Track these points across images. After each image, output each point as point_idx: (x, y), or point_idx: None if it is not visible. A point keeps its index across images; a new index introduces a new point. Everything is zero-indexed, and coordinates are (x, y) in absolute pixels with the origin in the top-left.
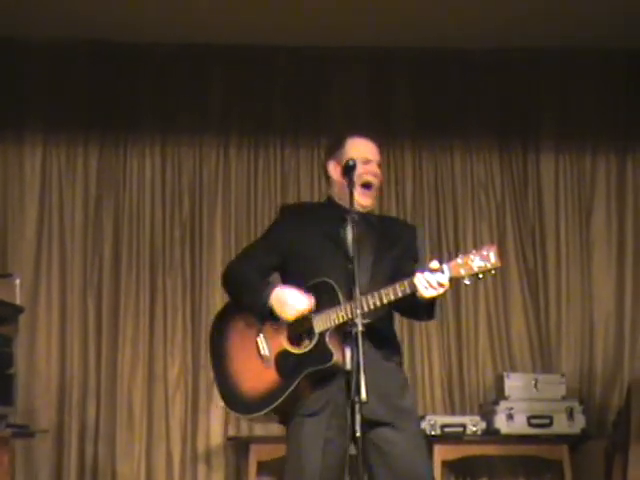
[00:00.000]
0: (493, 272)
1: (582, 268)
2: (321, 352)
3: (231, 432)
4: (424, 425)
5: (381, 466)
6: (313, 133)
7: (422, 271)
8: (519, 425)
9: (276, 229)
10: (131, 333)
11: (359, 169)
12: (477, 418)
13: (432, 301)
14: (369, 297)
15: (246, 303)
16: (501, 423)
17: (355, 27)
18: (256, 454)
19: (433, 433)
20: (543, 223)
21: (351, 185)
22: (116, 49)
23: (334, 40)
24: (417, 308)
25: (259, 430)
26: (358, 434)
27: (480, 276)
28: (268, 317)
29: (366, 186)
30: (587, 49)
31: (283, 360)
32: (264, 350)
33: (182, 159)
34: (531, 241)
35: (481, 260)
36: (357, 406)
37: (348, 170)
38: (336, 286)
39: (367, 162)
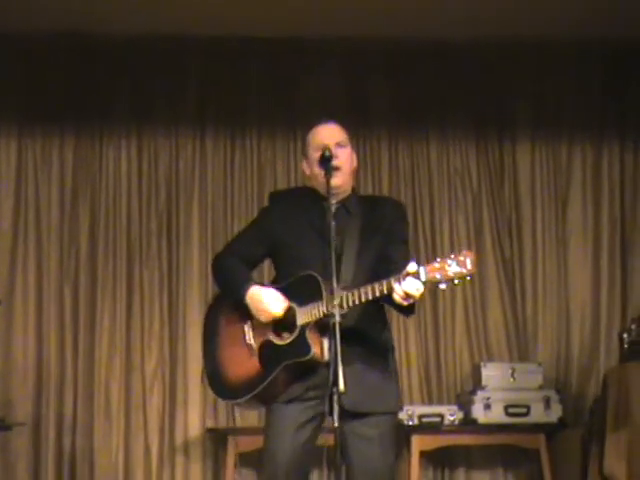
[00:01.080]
0: (468, 278)
1: (558, 258)
2: (300, 345)
3: (209, 424)
4: (402, 415)
5: (351, 454)
6: (289, 124)
7: (399, 280)
8: (496, 414)
9: (263, 218)
10: (108, 325)
11: (319, 154)
12: (454, 408)
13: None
14: (349, 295)
15: (226, 295)
16: (478, 413)
17: (330, 17)
18: (234, 446)
19: (411, 423)
20: (519, 213)
21: (328, 175)
22: (91, 41)
23: (309, 31)
24: (395, 306)
25: (238, 422)
26: (336, 424)
27: (456, 281)
28: (246, 313)
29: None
30: (563, 39)
31: (266, 350)
32: (249, 339)
33: (158, 150)
34: (507, 230)
35: (458, 266)
36: (335, 397)
37: (325, 161)
38: (320, 280)
39: (319, 150)
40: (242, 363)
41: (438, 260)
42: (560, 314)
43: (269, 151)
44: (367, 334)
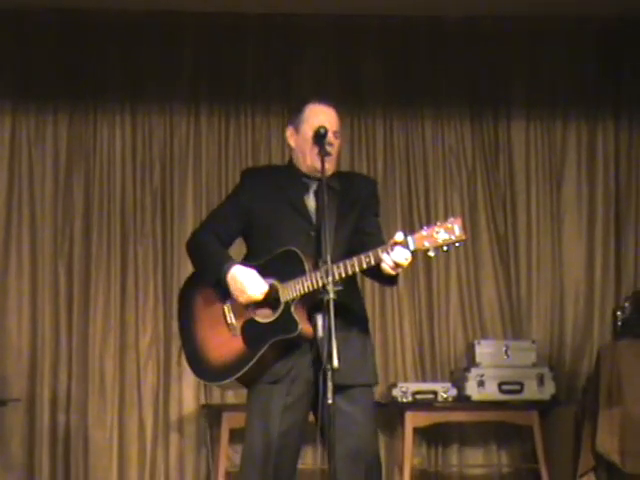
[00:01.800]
0: (457, 245)
1: (552, 235)
2: (286, 322)
3: (203, 400)
4: (395, 392)
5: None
6: (284, 101)
7: (387, 250)
8: (490, 391)
9: (238, 194)
10: (102, 302)
11: (313, 129)
12: (448, 385)
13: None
14: (334, 267)
15: (205, 276)
16: (472, 390)
17: None
18: (228, 422)
19: (404, 400)
20: (514, 191)
21: (323, 152)
22: (84, 17)
23: (304, 8)
24: (380, 277)
25: (231, 398)
26: (330, 401)
27: (445, 248)
28: (225, 292)
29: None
30: (557, 16)
31: (249, 329)
32: (230, 319)
33: (152, 128)
34: (502, 208)
35: (445, 232)
36: (329, 374)
37: (319, 138)
38: (302, 255)
39: (330, 132)
40: (224, 343)
41: (425, 228)
42: (554, 291)
43: (264, 128)
44: (348, 307)
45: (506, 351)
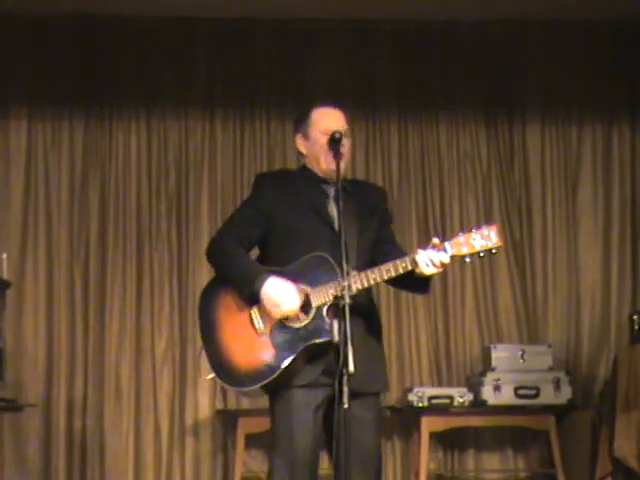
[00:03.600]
0: (494, 251)
1: (568, 239)
2: (319, 326)
3: (219, 405)
4: (411, 397)
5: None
6: (298, 106)
7: (424, 248)
8: (506, 396)
9: (257, 199)
10: (118, 307)
11: (326, 134)
12: (464, 390)
13: (428, 277)
14: (369, 272)
15: (235, 285)
16: (488, 394)
17: (340, 0)
18: (244, 427)
19: (420, 405)
20: (529, 195)
21: (338, 157)
22: (100, 22)
23: (318, 13)
24: (413, 283)
25: (247, 403)
26: (346, 406)
27: (481, 254)
28: (254, 302)
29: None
30: (572, 20)
31: (279, 333)
32: (258, 323)
33: (168, 133)
34: (517, 213)
35: (482, 239)
36: (345, 378)
37: (335, 143)
38: (332, 261)
39: (326, 134)
40: (251, 348)
41: (461, 234)
42: (570, 295)
43: (278, 133)
44: (366, 314)
45: (522, 355)
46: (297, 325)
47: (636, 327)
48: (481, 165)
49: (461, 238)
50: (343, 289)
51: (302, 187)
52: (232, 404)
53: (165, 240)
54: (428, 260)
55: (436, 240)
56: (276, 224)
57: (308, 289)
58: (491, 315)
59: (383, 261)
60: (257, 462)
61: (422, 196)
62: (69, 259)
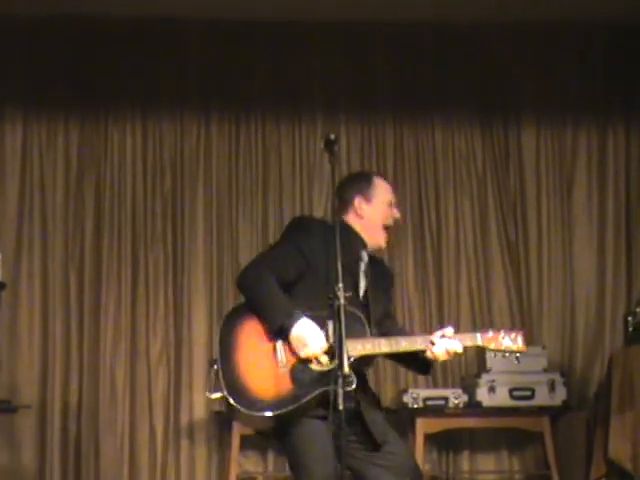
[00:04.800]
0: (517, 355)
1: (563, 241)
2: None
3: (214, 406)
4: (406, 398)
5: (379, 466)
6: (294, 109)
7: (440, 336)
8: (501, 397)
9: (301, 242)
10: (113, 308)
11: (390, 211)
12: (459, 391)
13: (432, 360)
14: (383, 341)
15: (266, 316)
16: (483, 396)
17: (334, 2)
18: (239, 428)
19: (415, 406)
20: (524, 197)
21: (333, 159)
22: (95, 24)
23: (313, 14)
24: (417, 363)
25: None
26: (341, 407)
27: (506, 355)
28: (280, 336)
29: (388, 228)
30: (567, 23)
31: (300, 371)
32: (281, 356)
33: (163, 135)
34: (512, 215)
35: (510, 341)
36: (340, 380)
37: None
38: (364, 318)
39: (392, 207)
40: (270, 378)
41: (491, 331)
42: (565, 297)
43: (274, 135)
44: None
45: (517, 357)
46: (319, 368)
47: (630, 328)
48: (476, 167)
49: (491, 335)
50: (372, 348)
51: (343, 245)
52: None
53: (160, 241)
54: (444, 349)
55: (449, 331)
56: (311, 272)
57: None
58: (486, 316)
59: (390, 333)
60: (252, 463)
61: (417, 198)
62: (64, 260)
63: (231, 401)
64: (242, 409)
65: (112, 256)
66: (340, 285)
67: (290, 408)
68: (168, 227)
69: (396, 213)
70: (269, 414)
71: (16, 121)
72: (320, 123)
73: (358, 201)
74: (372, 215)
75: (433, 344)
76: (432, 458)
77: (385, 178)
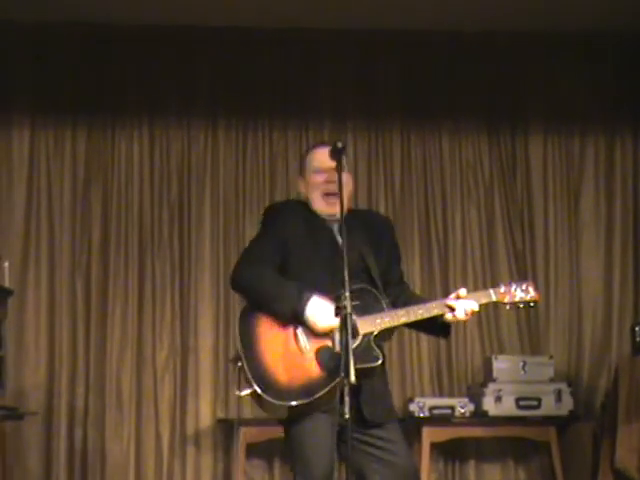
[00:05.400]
0: (532, 305)
1: (570, 250)
2: (367, 352)
3: (220, 414)
4: (413, 407)
5: (377, 462)
6: (301, 116)
7: (455, 298)
8: (507, 407)
9: (272, 229)
10: (120, 315)
11: (317, 178)
12: (465, 400)
13: (450, 323)
14: (401, 312)
15: (275, 308)
16: (489, 405)
17: (342, 9)
18: (245, 436)
19: (422, 415)
20: (532, 205)
21: (339, 167)
22: (103, 31)
23: (321, 22)
24: (436, 328)
25: (248, 412)
26: (347, 416)
27: (520, 306)
28: (298, 321)
29: (328, 195)
30: (575, 31)
31: (325, 355)
32: (304, 343)
33: (170, 141)
34: (519, 223)
35: (522, 292)
36: (346, 389)
37: (337, 152)
38: (378, 293)
39: (320, 172)
40: (296, 367)
41: (503, 286)
42: (572, 307)
43: (281, 142)
44: (383, 350)
45: (523, 366)
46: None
47: (637, 338)
48: (483, 175)
49: (503, 289)
50: (391, 321)
51: (309, 221)
52: (233, 413)
53: (167, 248)
54: (463, 310)
55: (463, 292)
56: (290, 253)
57: (355, 317)
58: (493, 326)
59: (399, 301)
60: (258, 471)
61: (424, 206)
62: (71, 267)
63: (264, 396)
64: (273, 400)
65: (119, 263)
66: (347, 294)
67: (320, 394)
68: (175, 234)
69: (324, 177)
70: (302, 402)
71: (23, 128)
72: (327, 130)
73: (300, 184)
74: (306, 189)
75: (452, 308)
76: (438, 467)
77: (325, 146)
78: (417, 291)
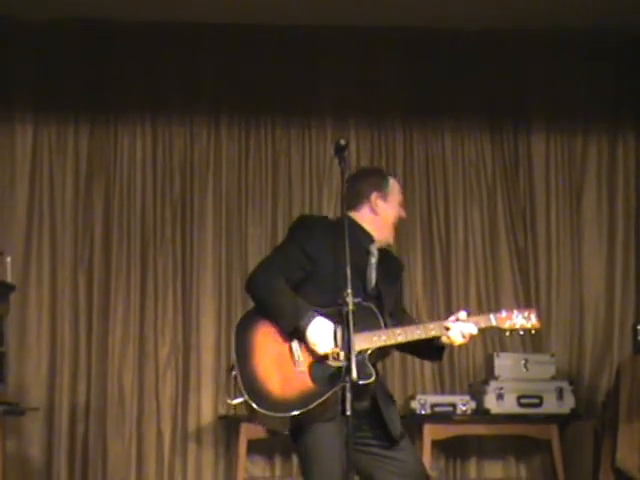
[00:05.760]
0: (532, 332)
1: (572, 249)
2: (360, 369)
3: (221, 411)
4: (414, 404)
5: (391, 473)
6: (304, 113)
7: (454, 320)
8: (509, 405)
9: (303, 241)
10: (122, 312)
11: (402, 212)
12: (467, 398)
13: (444, 346)
14: (398, 331)
15: (279, 319)
16: (491, 403)
17: (345, 7)
18: (246, 433)
19: (423, 412)
20: (534, 204)
21: (343, 164)
22: (106, 28)
23: (324, 20)
24: (429, 350)
25: (246, 412)
26: (348, 412)
27: (521, 333)
28: (296, 337)
29: (395, 226)
30: (577, 29)
31: (318, 369)
32: (298, 356)
33: (173, 138)
34: (522, 222)
35: (523, 319)
36: (348, 386)
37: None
38: (377, 311)
39: (402, 206)
40: (289, 379)
41: (504, 311)
42: (574, 305)
43: (283, 140)
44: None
45: (525, 364)
46: (338, 364)
47: (639, 337)
48: (486, 174)
49: (504, 314)
50: (387, 339)
51: (351, 240)
52: (235, 410)
53: (169, 245)
54: (459, 333)
55: (462, 316)
56: (317, 270)
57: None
58: None
59: (401, 324)
60: (259, 468)
61: (426, 204)
62: (73, 263)
63: (253, 405)
64: (265, 412)
65: (121, 259)
66: (349, 291)
67: (313, 405)
68: (177, 231)
69: (403, 213)
70: (295, 413)
71: (26, 123)
72: (330, 128)
73: (375, 197)
74: (387, 212)
75: (448, 329)
76: (439, 465)
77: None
78: (419, 288)
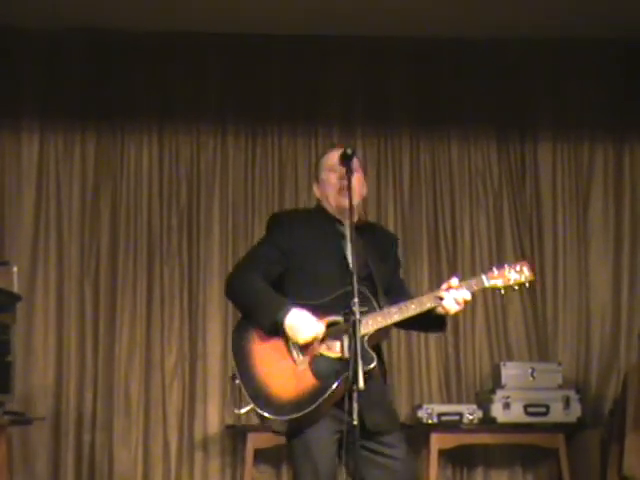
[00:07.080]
0: (527, 285)
1: (579, 258)
2: (362, 355)
3: (228, 420)
4: (421, 414)
5: (378, 469)
6: (310, 122)
7: (446, 289)
8: (515, 414)
9: (274, 237)
10: (128, 321)
11: (331, 175)
12: (474, 407)
13: (445, 316)
14: (393, 309)
15: (257, 319)
16: (498, 412)
17: (352, 16)
18: (253, 442)
19: (430, 422)
20: (540, 212)
21: (349, 173)
22: (113, 37)
23: (331, 29)
24: (430, 322)
25: (256, 419)
26: (355, 422)
27: (516, 288)
28: (278, 334)
29: (342, 189)
30: (585, 39)
31: (319, 364)
32: (297, 355)
33: (179, 147)
34: (528, 230)
35: (516, 274)
36: (354, 395)
37: (346, 158)
38: (368, 293)
39: (334, 170)
40: (291, 379)
41: (495, 269)
42: (580, 314)
43: (290, 149)
44: (382, 350)
45: (532, 373)
46: (337, 355)
47: None
48: (492, 182)
49: (496, 272)
50: (384, 321)
51: (319, 224)
52: (241, 419)
53: (176, 254)
54: (453, 300)
55: (454, 282)
56: (293, 263)
57: (341, 320)
58: (501, 332)
59: (398, 302)
60: (266, 477)
61: (433, 212)
62: (79, 272)
63: (260, 412)
64: (272, 416)
65: (127, 268)
66: (355, 300)
67: (318, 402)
68: (184, 240)
69: (338, 174)
70: (305, 412)
71: (33, 132)
72: (336, 137)
73: (314, 188)
74: (321, 190)
75: (442, 299)
76: (446, 474)
77: (338, 149)
78: None
